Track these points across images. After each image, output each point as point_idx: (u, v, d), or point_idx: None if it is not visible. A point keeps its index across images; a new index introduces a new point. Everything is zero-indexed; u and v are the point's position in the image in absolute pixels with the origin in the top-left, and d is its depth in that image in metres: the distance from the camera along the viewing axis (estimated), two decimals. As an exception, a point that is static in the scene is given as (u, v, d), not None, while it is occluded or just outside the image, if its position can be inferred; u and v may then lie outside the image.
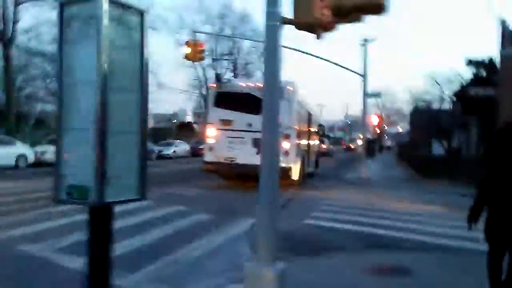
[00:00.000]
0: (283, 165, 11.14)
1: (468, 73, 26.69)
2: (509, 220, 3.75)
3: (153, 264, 5.31)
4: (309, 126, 17.76)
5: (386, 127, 63.12)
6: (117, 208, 2.68)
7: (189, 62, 56.08)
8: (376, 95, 21.66)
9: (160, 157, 29.43)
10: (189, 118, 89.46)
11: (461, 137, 35.56)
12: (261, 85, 3.80)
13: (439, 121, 33.15)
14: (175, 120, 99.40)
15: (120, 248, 5.89)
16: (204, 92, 58.58)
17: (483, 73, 24.64)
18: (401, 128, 56.59)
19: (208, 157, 13.64)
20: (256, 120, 11.58)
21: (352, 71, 21.38)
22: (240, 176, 13.45)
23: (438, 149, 35.70)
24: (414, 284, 4.88)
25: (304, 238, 6.95)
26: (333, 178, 19.45)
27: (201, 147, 34.50)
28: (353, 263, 5.63)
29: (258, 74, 65.98)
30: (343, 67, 21.80)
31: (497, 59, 24.61)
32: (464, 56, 27.25)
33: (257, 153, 11.33)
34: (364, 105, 20.80)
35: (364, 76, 21.33)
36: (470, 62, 25.22)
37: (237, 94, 13.67)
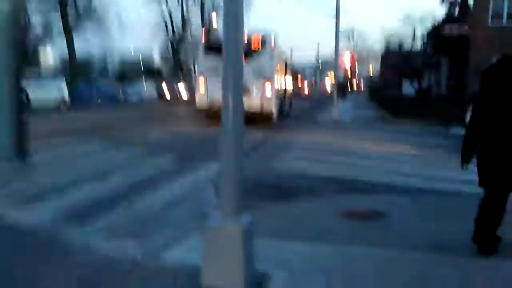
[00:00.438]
0: (267, 108, 14.15)
1: (441, 12, 26.25)
2: (508, 161, 3.45)
3: (112, 214, 4.86)
4: (286, 72, 19.07)
5: (357, 69, 62.83)
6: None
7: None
8: (350, 31, 20.94)
9: (126, 101, 28.38)
10: (156, 62, 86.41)
11: (431, 77, 35.69)
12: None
13: (410, 61, 32.98)
14: (142, 64, 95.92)
15: (73, 197, 5.42)
16: (170, 35, 56.20)
17: (456, 12, 24.19)
18: (373, 69, 56.42)
19: (200, 100, 15.00)
20: (247, 68, 11.10)
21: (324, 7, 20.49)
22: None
23: (408, 89, 35.84)
24: (389, 227, 4.63)
25: (275, 184, 6.59)
26: (305, 120, 19.14)
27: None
28: (327, 208, 5.31)
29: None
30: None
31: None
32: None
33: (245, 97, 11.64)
34: (336, 44, 20.13)
35: (337, 11, 20.48)
36: (443, 0, 24.65)
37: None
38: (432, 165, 8.41)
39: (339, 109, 19.96)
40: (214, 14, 58.32)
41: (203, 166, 7.49)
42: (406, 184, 6.70)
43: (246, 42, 13.38)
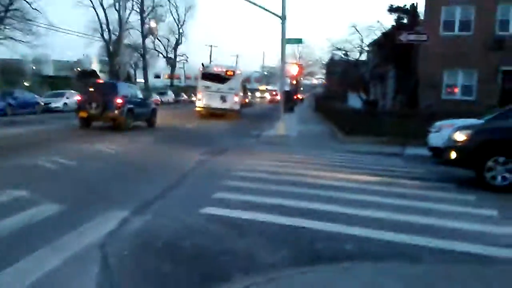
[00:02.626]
0: (235, 109, 26.23)
1: (390, 21, 25.45)
2: None
3: None
4: (244, 89, 37.22)
5: (302, 78, 62.12)
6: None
7: (87, 1, 49.87)
8: (297, 40, 19.30)
9: (48, 110, 25.00)
10: (94, 66, 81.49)
11: (377, 89, 35.13)
12: (225, 69, 25.99)
13: (357, 71, 32.15)
14: (78, 68, 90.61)
15: None
16: (106, 36, 52.67)
17: (405, 20, 23.38)
18: (317, 79, 55.83)
19: (199, 104, 26.46)
20: (222, 86, 25.69)
21: (270, 12, 18.77)
22: (212, 114, 25.60)
23: (354, 101, 35.03)
24: None
25: (194, 248, 4.40)
26: (249, 136, 17.16)
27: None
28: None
29: (169, 18, 61.07)
30: (260, 7, 19.10)
31: (420, 5, 23.48)
32: (388, 4, 25.91)
33: (222, 103, 25.46)
34: (283, 52, 18.41)
35: (283, 18, 18.79)
36: (392, 9, 23.76)
37: (212, 73, 26.22)
38: (410, 206, 6.59)
39: (285, 124, 18.17)
40: (153, 21, 55.81)
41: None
42: (391, 241, 4.77)
43: (225, 72, 26.20)
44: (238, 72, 27.38)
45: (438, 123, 12.03)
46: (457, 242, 4.85)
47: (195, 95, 51.92)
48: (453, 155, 8.47)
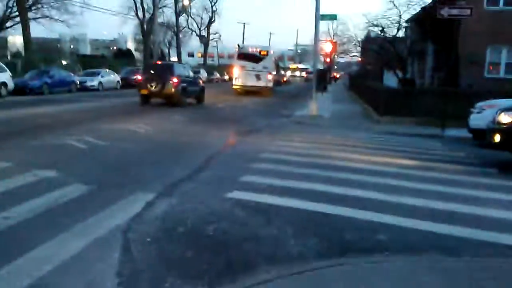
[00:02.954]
0: (269, 86, 28.21)
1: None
2: None
3: None
4: (277, 67, 41.36)
5: (337, 57, 60.65)
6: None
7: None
8: (332, 16, 18.61)
9: (84, 89, 25.40)
10: (129, 45, 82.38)
11: (414, 67, 33.77)
12: (259, 49, 28.38)
13: (394, 48, 30.90)
14: (115, 47, 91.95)
15: None
16: (140, 15, 52.86)
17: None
18: (352, 57, 54.29)
19: (235, 82, 28.55)
20: (256, 66, 27.88)
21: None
22: (248, 92, 27.52)
23: (390, 79, 33.84)
24: None
25: (219, 234, 4.24)
26: (280, 116, 16.85)
27: (135, 77, 30.67)
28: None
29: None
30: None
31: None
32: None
33: (256, 81, 27.63)
34: (316, 29, 17.80)
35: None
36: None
37: (248, 53, 28.37)
38: (449, 193, 6.20)
39: (318, 103, 17.71)
40: None
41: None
42: (429, 232, 4.44)
43: (259, 52, 28.24)
44: (271, 52, 29.87)
45: (480, 103, 11.35)
46: (502, 234, 4.48)
47: (228, 74, 53.14)
48: (497, 138, 7.93)
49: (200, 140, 10.02)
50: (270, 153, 8.48)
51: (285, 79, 55.04)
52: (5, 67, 20.31)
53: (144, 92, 18.26)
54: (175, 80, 18.13)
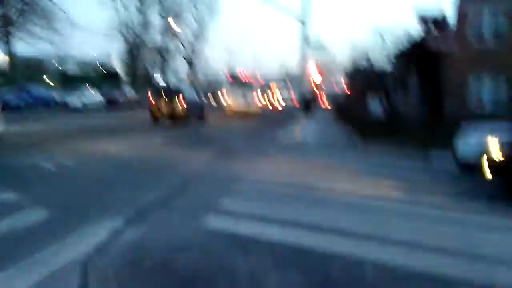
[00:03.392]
0: (258, 110, 31.72)
1: (417, 30, 24.40)
2: None
3: None
4: (264, 93, 42.24)
5: (323, 85, 61.23)
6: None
7: (108, 2, 50.24)
8: (320, 48, 18.63)
9: (67, 108, 24.84)
10: (117, 67, 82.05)
11: (400, 97, 34.05)
12: (249, 77, 32.66)
13: (380, 78, 31.21)
14: (100, 68, 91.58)
15: None
16: (128, 36, 52.80)
17: (434, 31, 22.40)
18: (338, 85, 54.86)
19: (227, 105, 31.93)
20: (246, 91, 30.94)
21: (290, 15, 18.20)
22: (239, 115, 29.10)
23: (376, 107, 34.02)
24: None
25: (190, 268, 3.77)
26: (265, 140, 16.53)
27: (119, 98, 30.16)
28: None
29: (187, 16, 60.85)
30: (279, 9, 18.53)
31: (450, 16, 22.54)
32: (416, 11, 24.80)
33: (246, 105, 30.47)
34: (303, 56, 17.77)
35: (304, 22, 18.18)
36: (421, 19, 22.80)
37: (239, 81, 31.75)
38: (442, 229, 5.86)
39: (304, 130, 17.49)
40: (171, 19, 55.86)
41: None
42: (422, 272, 4.04)
43: (248, 79, 32.08)
44: (259, 79, 35.92)
45: (465, 129, 10.96)
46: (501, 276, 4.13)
47: (214, 98, 54.40)
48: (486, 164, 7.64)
49: (181, 161, 9.59)
50: (252, 178, 8.11)
51: (279, 107, 58.03)
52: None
53: (155, 111, 21.03)
54: (183, 102, 21.00)
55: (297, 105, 17.91)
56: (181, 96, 21.09)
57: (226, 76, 34.35)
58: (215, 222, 5.12)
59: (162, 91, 22.22)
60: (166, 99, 20.88)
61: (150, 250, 4.11)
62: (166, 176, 8.02)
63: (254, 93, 32.06)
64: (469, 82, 19.96)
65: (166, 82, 59.20)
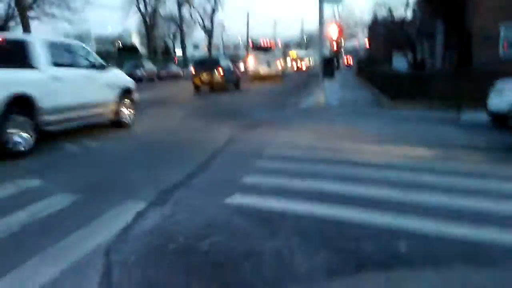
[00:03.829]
0: (279, 73, 35.09)
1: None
2: None
3: None
4: (285, 56, 51.37)
5: (343, 43, 59.49)
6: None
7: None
8: (336, 0, 17.81)
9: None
10: (134, 40, 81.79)
11: (424, 48, 32.78)
12: (270, 42, 35.37)
13: (402, 30, 29.96)
14: (120, 43, 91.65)
15: None
16: (142, 8, 52.25)
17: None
18: (361, 41, 53.18)
19: (254, 73, 34.00)
20: (267, 56, 33.93)
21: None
22: (261, 78, 33.03)
23: (400, 62, 32.92)
24: None
25: (215, 251, 3.67)
26: (285, 106, 16.21)
27: (137, 72, 30.50)
28: None
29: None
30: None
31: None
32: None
33: (268, 69, 33.76)
34: (321, 14, 17.06)
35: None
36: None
37: (261, 48, 34.42)
38: (476, 188, 5.59)
39: (326, 91, 17.06)
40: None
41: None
42: (457, 238, 3.82)
43: (269, 44, 34.51)
44: (279, 44, 39.49)
45: (500, 83, 10.56)
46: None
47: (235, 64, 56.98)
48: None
49: (205, 135, 9.48)
50: (275, 149, 7.91)
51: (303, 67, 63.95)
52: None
53: (197, 81, 23.68)
54: (221, 70, 23.38)
55: (319, 65, 17.47)
56: (219, 67, 23.49)
57: (250, 44, 38.24)
58: (238, 198, 5.00)
59: (202, 63, 24.87)
60: (206, 70, 23.22)
61: (172, 233, 4.02)
62: (187, 152, 7.96)
63: (276, 58, 35.11)
64: (499, 29, 18.86)
65: (209, 55, 59.46)
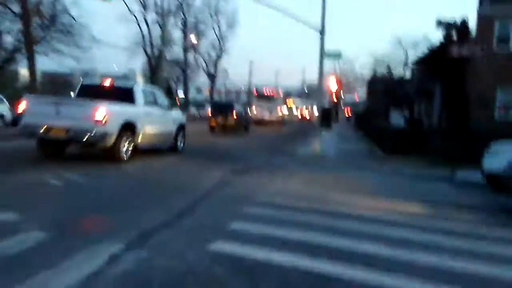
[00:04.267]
0: (280, 119, 40.20)
1: (437, 36, 23.83)
2: None
3: None
4: (285, 105, 51.05)
5: (343, 95, 60.55)
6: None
7: (131, 17, 51.13)
8: (336, 55, 18.22)
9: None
10: (138, 80, 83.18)
11: (421, 107, 33.25)
12: (272, 92, 42.70)
13: (400, 88, 30.50)
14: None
15: None
16: (149, 51, 53.37)
17: (454, 36, 21.77)
18: (359, 96, 54.13)
19: (254, 116, 35.14)
20: (270, 104, 39.43)
21: (309, 25, 17.91)
22: (263, 124, 36.32)
23: (397, 119, 33.26)
24: None
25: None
26: (281, 154, 16.13)
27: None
28: None
29: (211, 34, 61.44)
30: (299, 20, 18.30)
31: (470, 20, 21.86)
32: (435, 17, 24.24)
33: (270, 115, 38.72)
34: (321, 66, 17.41)
35: (322, 32, 17.87)
36: (440, 23, 22.20)
37: (264, 96, 40.34)
38: (472, 251, 5.38)
39: (322, 142, 17.05)
40: (192, 35, 56.33)
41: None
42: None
43: (272, 94, 40.55)
44: (280, 94, 44.60)
45: (495, 145, 10.56)
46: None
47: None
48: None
49: (197, 176, 9.29)
50: (267, 196, 7.73)
51: (306, 116, 67.49)
52: (4, 99, 20.07)
53: (213, 123, 26.25)
54: (234, 115, 25.91)
55: (317, 116, 17.59)
56: (234, 110, 26.15)
57: (254, 93, 43.57)
58: (222, 246, 4.76)
59: (218, 106, 27.51)
60: (222, 113, 25.98)
61: (146, 280, 3.77)
62: (175, 194, 7.76)
63: (277, 106, 39.94)
64: (495, 93, 19.16)
65: (221, 98, 61.58)
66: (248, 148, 17.64)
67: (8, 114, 19.77)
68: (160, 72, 52.65)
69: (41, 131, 9.62)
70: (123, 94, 11.09)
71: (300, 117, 65.43)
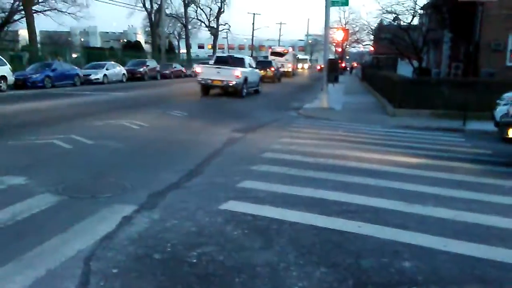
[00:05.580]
0: (290, 72, 45.57)
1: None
2: None
3: None
4: (295, 60, 57.20)
5: (348, 46, 59.19)
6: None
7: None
8: (343, 2, 17.50)
9: (88, 82, 24.74)
10: (139, 37, 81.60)
11: (430, 56, 32.48)
12: (284, 49, 49.59)
13: (408, 37, 29.60)
14: (124, 40, 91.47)
15: None
16: (148, 6, 52.03)
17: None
18: (365, 46, 52.91)
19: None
20: (282, 59, 44.95)
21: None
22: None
23: (405, 69, 32.59)
24: None
25: (203, 263, 3.41)
26: (288, 109, 15.94)
27: (140, 69, 30.35)
28: None
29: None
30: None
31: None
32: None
33: (283, 68, 42.93)
34: (326, 16, 16.79)
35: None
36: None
37: (277, 52, 47.12)
38: (483, 202, 5.32)
39: (329, 95, 16.77)
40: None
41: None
42: (463, 255, 3.55)
43: (283, 50, 48.59)
44: (291, 50, 50.23)
45: (507, 94, 10.33)
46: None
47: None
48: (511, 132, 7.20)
49: (204, 135, 9.22)
50: (275, 153, 7.65)
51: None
52: (5, 61, 19.70)
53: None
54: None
55: (323, 68, 17.16)
56: (272, 66, 32.83)
57: (269, 49, 50.00)
58: (233, 205, 4.73)
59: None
60: (263, 67, 30.84)
61: (159, 241, 3.76)
62: (183, 153, 7.70)
63: (287, 60, 45.37)
64: (507, 38, 18.55)
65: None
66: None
67: (10, 76, 19.44)
68: (160, 28, 51.44)
69: (210, 82, 18.82)
70: (239, 62, 20.02)
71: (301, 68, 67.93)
